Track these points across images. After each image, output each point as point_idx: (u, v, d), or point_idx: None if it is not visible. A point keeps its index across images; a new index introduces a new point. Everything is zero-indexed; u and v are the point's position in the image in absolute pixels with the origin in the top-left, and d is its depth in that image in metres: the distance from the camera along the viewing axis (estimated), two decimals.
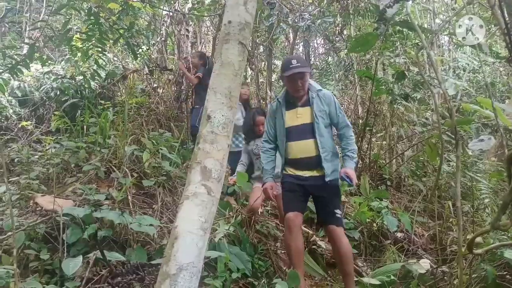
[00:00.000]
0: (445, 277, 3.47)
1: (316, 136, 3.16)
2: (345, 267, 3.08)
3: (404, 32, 6.00)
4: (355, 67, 8.29)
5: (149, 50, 7.41)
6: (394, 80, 5.28)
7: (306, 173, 3.21)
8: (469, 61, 7.39)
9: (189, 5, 7.11)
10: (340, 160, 3.37)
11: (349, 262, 3.09)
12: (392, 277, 3.22)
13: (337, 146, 3.48)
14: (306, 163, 3.20)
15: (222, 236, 3.07)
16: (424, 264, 3.35)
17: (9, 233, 3.00)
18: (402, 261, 3.79)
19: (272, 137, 3.41)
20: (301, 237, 3.20)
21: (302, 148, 3.19)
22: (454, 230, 4.69)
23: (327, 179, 3.12)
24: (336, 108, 3.27)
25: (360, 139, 6.14)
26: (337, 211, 3.14)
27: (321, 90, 3.29)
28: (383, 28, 4.26)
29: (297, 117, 3.24)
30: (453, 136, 2.60)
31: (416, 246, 4.39)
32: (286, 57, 3.43)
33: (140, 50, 6.61)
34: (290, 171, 3.28)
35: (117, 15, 4.93)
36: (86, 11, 4.64)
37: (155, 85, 7.14)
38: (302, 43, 13.89)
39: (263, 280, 3.13)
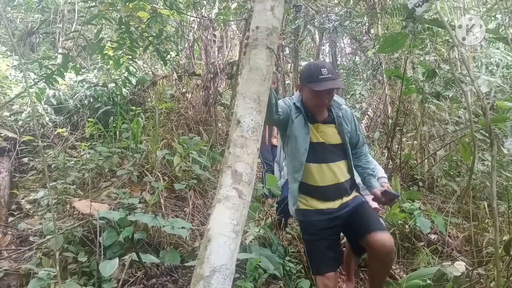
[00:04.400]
0: (482, 280, 3.37)
1: (348, 157, 2.72)
2: (384, 277, 2.71)
3: (434, 29, 5.88)
4: (383, 66, 8.17)
5: (177, 56, 7.55)
6: (424, 78, 5.18)
7: (336, 203, 2.66)
8: (502, 57, 7.17)
9: (216, 10, 7.21)
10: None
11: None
12: (428, 281, 3.16)
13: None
14: (336, 191, 2.67)
15: (253, 239, 3.10)
16: (459, 267, 3.27)
17: (48, 237, 3.13)
18: (436, 263, 3.71)
19: (281, 109, 2.57)
20: None
21: (333, 171, 2.64)
22: (490, 231, 4.55)
23: (363, 198, 2.77)
24: (356, 126, 2.84)
25: (390, 139, 6.05)
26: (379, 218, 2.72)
27: (342, 106, 2.79)
28: (412, 26, 4.19)
29: (320, 135, 2.66)
30: (487, 135, 2.54)
31: (451, 248, 4.29)
32: (313, 63, 2.70)
33: (169, 56, 6.74)
34: (312, 205, 2.68)
35: (147, 23, 5.05)
36: (117, 20, 4.78)
37: (183, 90, 7.25)
38: (328, 44, 13.85)
39: (294, 282, 3.14)
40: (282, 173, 4.21)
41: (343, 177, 2.68)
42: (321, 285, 2.54)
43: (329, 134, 2.68)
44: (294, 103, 2.70)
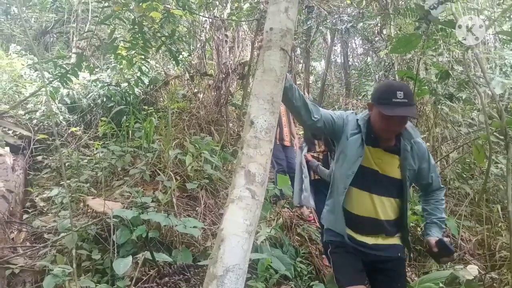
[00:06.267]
0: (495, 284, 3.35)
1: (404, 196, 2.36)
2: None
3: (447, 30, 5.83)
4: (395, 67, 8.12)
5: (189, 56, 7.59)
6: (437, 79, 5.14)
7: (369, 240, 2.35)
8: None
9: (228, 10, 7.23)
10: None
11: None
12: (441, 284, 3.13)
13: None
14: (371, 226, 2.34)
15: (264, 239, 3.11)
16: (471, 270, 3.24)
17: (63, 234, 3.18)
18: (448, 267, 3.68)
19: (318, 114, 2.30)
20: None
21: (374, 204, 2.32)
22: (503, 235, 4.50)
23: (399, 254, 2.39)
24: (430, 166, 2.41)
25: None
26: None
27: (416, 140, 2.37)
28: (425, 27, 4.15)
29: (375, 161, 2.34)
30: (502, 137, 2.51)
31: (463, 252, 4.26)
32: (389, 83, 2.54)
33: (181, 56, 6.78)
34: (343, 230, 2.37)
35: (159, 23, 5.09)
36: (130, 20, 4.83)
37: (195, 90, 7.29)
38: (340, 44, 13.81)
39: (305, 283, 3.15)
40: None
41: (384, 215, 2.33)
42: None
43: (387, 164, 2.34)
44: (357, 120, 2.39)
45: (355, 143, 2.33)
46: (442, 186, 2.51)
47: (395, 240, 2.39)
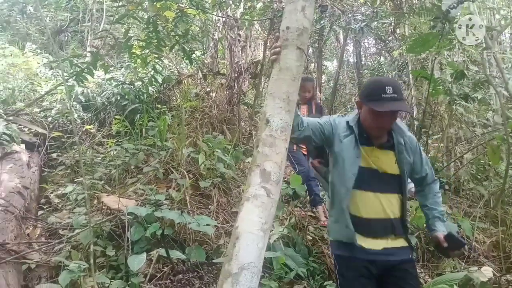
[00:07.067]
0: (510, 286, 3.30)
1: (404, 191, 2.33)
2: None
3: None
4: (409, 67, 8.04)
5: (202, 56, 7.62)
6: (452, 79, 5.08)
7: (379, 244, 2.24)
8: None
9: (241, 10, 7.24)
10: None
11: None
12: (455, 286, 3.10)
13: None
14: (382, 227, 2.26)
15: (277, 238, 3.11)
16: (486, 272, 3.20)
17: (77, 230, 3.22)
18: (462, 268, 3.65)
19: (304, 123, 2.27)
20: None
21: (381, 203, 2.26)
22: None
23: (410, 255, 2.33)
24: (422, 159, 2.42)
25: None
26: None
27: (407, 133, 2.40)
28: (440, 27, 4.12)
29: (372, 160, 2.31)
30: None
31: (478, 253, 4.20)
32: (377, 79, 2.51)
33: (194, 56, 6.81)
34: (352, 239, 2.25)
35: (173, 23, 5.12)
36: (145, 20, 4.86)
37: (208, 89, 7.31)
38: (352, 44, 13.74)
39: (317, 283, 3.14)
40: None
41: (393, 213, 2.27)
42: None
43: (384, 161, 2.32)
44: (347, 122, 2.37)
45: (349, 144, 2.31)
46: (435, 178, 2.50)
47: (402, 242, 2.31)
